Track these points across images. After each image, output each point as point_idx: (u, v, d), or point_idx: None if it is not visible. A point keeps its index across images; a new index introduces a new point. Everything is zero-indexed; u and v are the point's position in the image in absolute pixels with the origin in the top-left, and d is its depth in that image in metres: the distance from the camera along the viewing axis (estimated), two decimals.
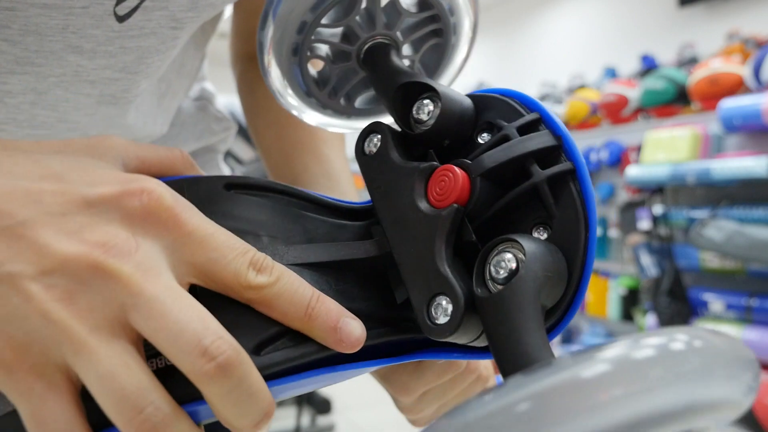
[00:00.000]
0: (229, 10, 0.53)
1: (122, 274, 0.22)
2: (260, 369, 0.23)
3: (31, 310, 0.21)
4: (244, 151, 3.23)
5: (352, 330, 0.25)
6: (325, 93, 0.34)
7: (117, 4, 0.32)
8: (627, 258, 2.94)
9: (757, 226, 2.16)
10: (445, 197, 0.26)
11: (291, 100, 0.34)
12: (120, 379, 0.21)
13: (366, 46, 0.32)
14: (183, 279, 0.24)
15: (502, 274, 0.24)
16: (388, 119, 0.33)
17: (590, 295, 3.17)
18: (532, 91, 4.15)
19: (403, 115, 0.30)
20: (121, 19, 0.33)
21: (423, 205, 0.27)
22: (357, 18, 0.32)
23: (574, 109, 3.43)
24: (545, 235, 0.26)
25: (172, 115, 0.46)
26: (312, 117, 0.35)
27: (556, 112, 3.49)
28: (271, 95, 0.34)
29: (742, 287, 2.30)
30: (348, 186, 0.54)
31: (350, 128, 0.37)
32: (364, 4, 0.31)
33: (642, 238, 2.67)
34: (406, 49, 0.34)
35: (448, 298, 0.25)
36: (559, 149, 0.27)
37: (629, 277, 2.99)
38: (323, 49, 0.33)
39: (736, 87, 2.55)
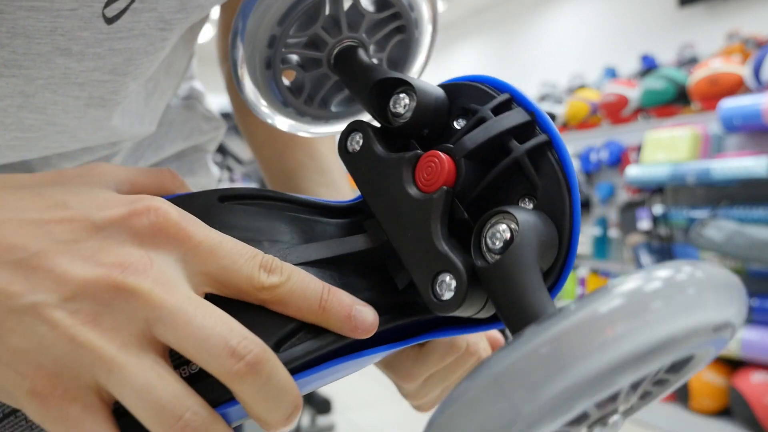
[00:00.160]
0: (216, 10, 0.53)
1: (142, 290, 0.23)
2: (284, 364, 0.24)
3: (58, 337, 0.22)
4: (244, 151, 3.24)
5: (366, 316, 0.27)
6: (301, 101, 0.35)
7: (106, 6, 0.32)
8: (627, 258, 2.94)
9: (757, 226, 2.15)
10: (434, 181, 0.28)
11: (265, 110, 0.35)
12: (156, 390, 0.22)
13: (335, 51, 0.34)
14: (198, 289, 0.25)
15: (498, 244, 0.25)
16: (364, 118, 0.34)
17: None
18: (532, 91, 4.15)
19: (380, 110, 0.32)
20: (109, 21, 0.33)
21: (413, 191, 0.28)
22: (323, 25, 0.33)
23: (574, 109, 3.42)
24: (531, 205, 0.28)
25: (160, 114, 0.46)
26: (286, 124, 0.37)
27: (556, 112, 3.49)
28: None
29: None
30: (342, 181, 0.55)
31: (330, 132, 0.38)
32: (327, 11, 0.32)
33: (642, 238, 2.67)
34: (373, 49, 0.35)
35: (450, 275, 0.26)
36: (533, 124, 0.28)
37: None
38: (295, 59, 0.34)
39: (736, 87, 2.55)
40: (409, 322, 0.30)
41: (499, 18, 6.08)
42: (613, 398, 0.21)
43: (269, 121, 0.36)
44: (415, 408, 0.44)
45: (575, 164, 3.19)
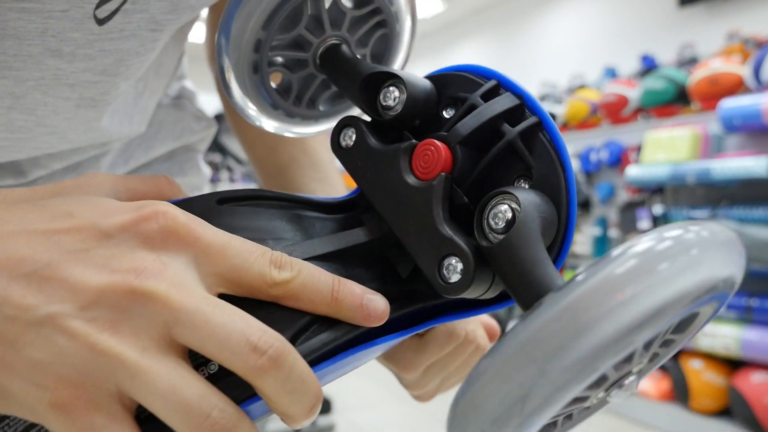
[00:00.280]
0: (206, 9, 0.53)
1: (159, 293, 0.23)
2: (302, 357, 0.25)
3: (78, 346, 0.22)
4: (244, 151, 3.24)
5: (377, 304, 0.27)
6: (290, 102, 0.36)
7: (97, 8, 0.32)
8: None
9: (757, 226, 2.15)
10: (431, 169, 0.28)
11: (254, 114, 0.36)
12: (181, 391, 0.22)
13: (320, 50, 0.34)
14: (212, 290, 0.25)
15: (501, 224, 0.26)
16: (352, 114, 0.35)
17: None
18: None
19: (370, 104, 0.32)
20: (101, 22, 0.33)
21: (411, 180, 0.29)
22: (306, 26, 0.33)
23: (574, 109, 3.42)
24: (527, 185, 0.28)
25: (150, 114, 0.46)
26: (276, 126, 0.37)
27: (556, 112, 3.49)
28: None
29: (742, 287, 2.29)
30: (335, 176, 0.55)
31: (321, 131, 0.38)
32: (309, 11, 0.33)
33: None
34: (357, 45, 0.36)
35: (456, 257, 0.27)
36: (523, 107, 0.29)
37: None
38: (280, 61, 0.35)
39: (736, 87, 2.55)
40: (415, 309, 0.31)
41: (499, 18, 6.08)
42: (629, 359, 0.22)
43: (257, 123, 0.36)
44: (416, 398, 0.46)
45: (575, 165, 3.19)
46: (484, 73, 0.31)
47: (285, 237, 0.30)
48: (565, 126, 3.47)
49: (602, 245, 3.14)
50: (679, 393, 2.39)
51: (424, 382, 0.43)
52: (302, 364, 0.24)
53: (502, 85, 0.30)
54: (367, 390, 2.87)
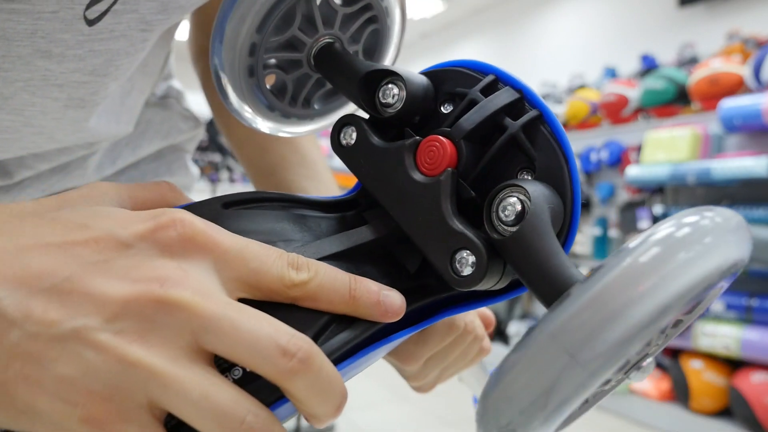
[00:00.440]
0: None
1: (185, 301, 0.22)
2: None
3: (108, 360, 0.21)
4: None
5: (394, 300, 0.28)
6: (285, 103, 0.36)
7: (87, 8, 0.32)
8: None
9: (757, 226, 2.15)
10: (437, 164, 0.29)
11: (251, 116, 0.36)
12: (214, 398, 0.22)
13: (314, 50, 0.34)
14: (233, 295, 0.25)
15: (510, 216, 0.26)
16: (347, 112, 0.35)
17: None
18: None
19: (369, 102, 0.32)
20: (91, 22, 0.32)
21: (417, 176, 0.29)
22: (299, 26, 0.33)
23: (574, 109, 3.42)
24: (530, 177, 0.29)
25: (137, 113, 0.46)
26: (273, 128, 0.37)
27: (557, 112, 3.49)
28: None
29: (742, 287, 2.29)
30: (326, 172, 0.55)
31: (316, 129, 0.38)
32: (302, 11, 0.33)
33: None
34: (349, 42, 0.36)
35: (468, 251, 0.27)
36: (523, 101, 0.29)
37: None
38: (274, 62, 0.35)
39: (736, 87, 2.55)
40: (426, 303, 0.31)
41: (499, 18, 6.08)
42: (648, 342, 0.23)
43: (253, 125, 0.36)
44: (416, 389, 0.46)
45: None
46: (481, 68, 0.31)
47: (294, 238, 0.30)
48: (566, 126, 3.47)
49: (602, 245, 3.13)
50: (680, 393, 2.39)
51: (424, 374, 0.44)
52: (329, 365, 0.24)
53: (501, 79, 0.30)
54: (367, 390, 2.87)
